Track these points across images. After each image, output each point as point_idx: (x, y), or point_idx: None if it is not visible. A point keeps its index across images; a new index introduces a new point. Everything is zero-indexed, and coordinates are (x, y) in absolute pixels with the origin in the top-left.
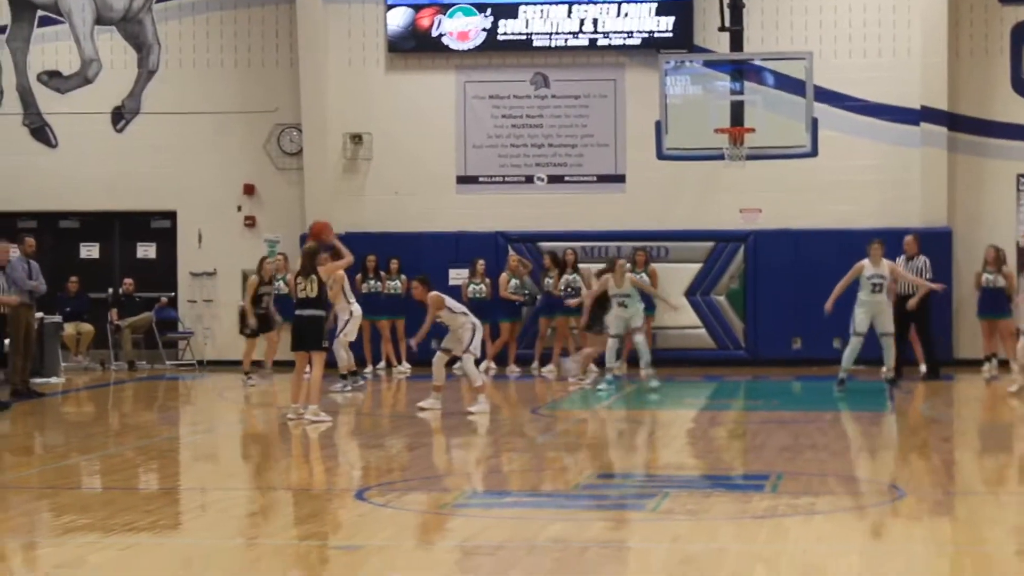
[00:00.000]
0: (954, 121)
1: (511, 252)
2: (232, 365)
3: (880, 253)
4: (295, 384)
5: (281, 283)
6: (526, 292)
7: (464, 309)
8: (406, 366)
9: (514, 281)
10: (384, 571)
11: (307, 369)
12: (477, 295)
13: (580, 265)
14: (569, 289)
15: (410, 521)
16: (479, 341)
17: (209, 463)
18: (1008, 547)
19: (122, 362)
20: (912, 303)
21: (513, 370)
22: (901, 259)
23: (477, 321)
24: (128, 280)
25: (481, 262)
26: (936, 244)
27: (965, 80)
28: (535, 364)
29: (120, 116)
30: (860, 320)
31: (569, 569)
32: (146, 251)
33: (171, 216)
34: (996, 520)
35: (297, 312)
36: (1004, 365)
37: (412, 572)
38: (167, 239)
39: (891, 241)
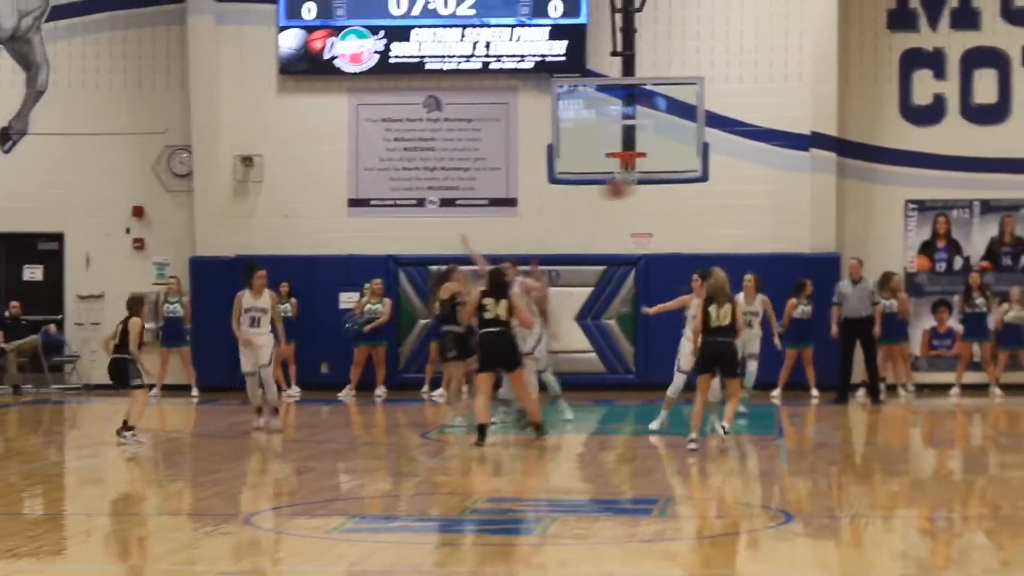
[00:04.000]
0: (843, 147)
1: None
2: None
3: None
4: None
5: (177, 306)
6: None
7: None
8: (296, 390)
9: (369, 306)
10: None
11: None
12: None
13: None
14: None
15: (298, 546)
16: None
17: (95, 488)
18: (893, 571)
19: (7, 386)
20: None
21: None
22: (847, 282)
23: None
24: (14, 303)
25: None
26: (825, 269)
27: (855, 106)
28: (425, 388)
29: (7, 137)
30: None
31: None
32: (33, 273)
33: (58, 238)
34: (882, 544)
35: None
36: (892, 389)
37: None
38: (54, 261)
39: (781, 266)
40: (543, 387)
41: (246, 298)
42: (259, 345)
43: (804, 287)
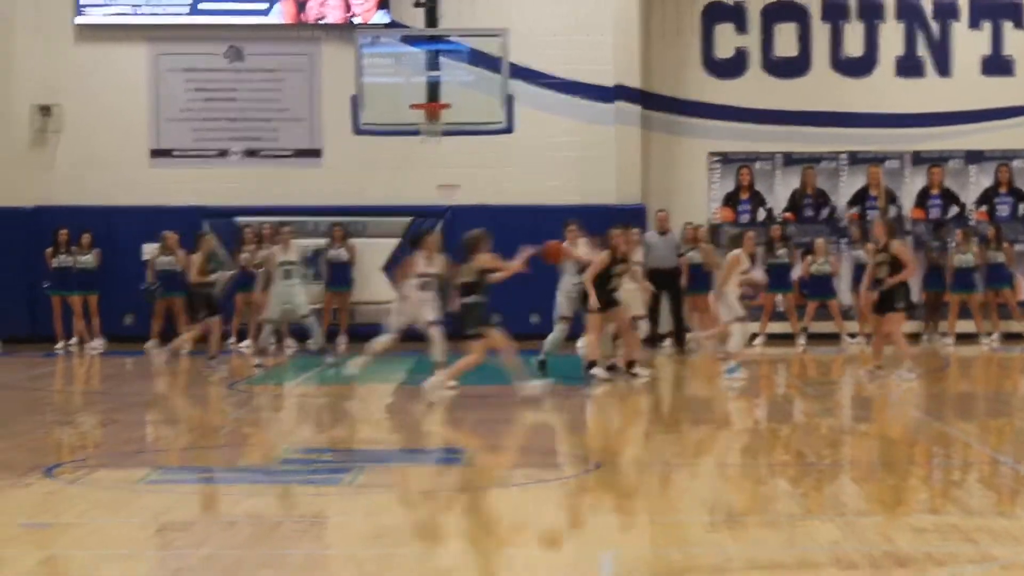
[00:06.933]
0: (647, 99)
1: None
2: None
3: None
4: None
5: None
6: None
7: None
8: (99, 342)
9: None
10: (74, 548)
11: None
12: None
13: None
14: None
15: (101, 498)
16: None
17: None
18: (699, 517)
19: None
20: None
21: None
22: (653, 233)
23: None
24: None
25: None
26: (630, 221)
27: (658, 59)
28: (232, 339)
29: None
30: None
31: (263, 543)
32: None
33: None
34: (687, 491)
35: None
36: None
37: (103, 549)
38: None
39: (587, 218)
40: None
41: None
42: None
43: None
